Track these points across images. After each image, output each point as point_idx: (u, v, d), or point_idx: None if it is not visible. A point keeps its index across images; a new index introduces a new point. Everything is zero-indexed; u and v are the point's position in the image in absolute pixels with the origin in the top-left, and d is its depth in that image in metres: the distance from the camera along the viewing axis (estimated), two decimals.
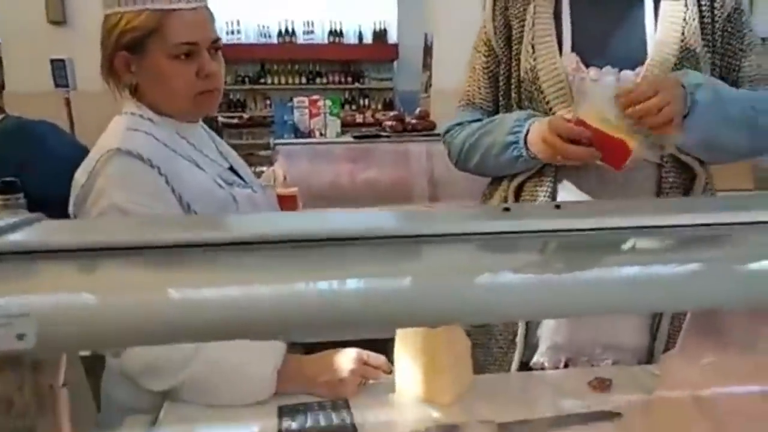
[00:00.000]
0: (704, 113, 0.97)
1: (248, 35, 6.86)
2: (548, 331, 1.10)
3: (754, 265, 0.48)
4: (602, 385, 0.94)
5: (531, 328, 1.12)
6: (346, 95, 7.12)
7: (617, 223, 0.52)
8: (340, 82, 7.07)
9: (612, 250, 0.50)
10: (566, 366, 1.10)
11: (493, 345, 1.16)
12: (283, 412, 0.86)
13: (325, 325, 0.43)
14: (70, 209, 1.02)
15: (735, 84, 1.08)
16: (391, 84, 7.26)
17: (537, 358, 1.11)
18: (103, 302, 0.39)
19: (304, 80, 6.90)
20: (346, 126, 3.98)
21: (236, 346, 0.94)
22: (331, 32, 6.99)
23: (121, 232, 0.50)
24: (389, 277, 0.44)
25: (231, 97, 6.78)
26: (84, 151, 1.07)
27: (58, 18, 4.63)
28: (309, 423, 0.83)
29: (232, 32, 6.74)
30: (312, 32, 6.97)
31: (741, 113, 1.01)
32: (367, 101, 7.22)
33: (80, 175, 1.00)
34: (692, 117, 0.97)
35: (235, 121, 5.67)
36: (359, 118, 5.09)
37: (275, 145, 2.96)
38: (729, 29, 1.07)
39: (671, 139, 1.03)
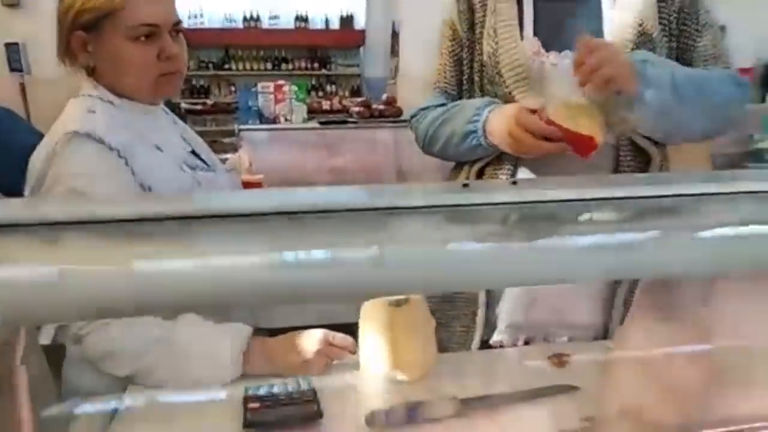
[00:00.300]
0: (656, 88, 0.98)
1: (212, 20, 6.73)
2: (507, 311, 1.12)
3: (705, 234, 0.51)
4: (560, 360, 0.97)
5: (491, 308, 1.14)
6: (313, 81, 7.06)
7: (572, 196, 0.54)
8: (306, 68, 7.00)
9: (568, 221, 0.52)
10: (526, 344, 1.13)
11: (456, 325, 1.18)
12: (248, 398, 0.86)
13: (290, 294, 0.44)
14: (26, 195, 1.00)
15: (689, 64, 1.10)
16: (358, 70, 7.22)
17: (496, 337, 1.13)
18: (63, 275, 0.39)
19: (269, 66, 6.81)
20: (313, 112, 3.95)
21: (201, 330, 0.94)
22: (297, 18, 6.91)
23: (80, 207, 0.50)
24: (354, 247, 0.45)
25: (194, 83, 6.65)
26: (40, 138, 1.04)
27: (12, 0, 4.47)
28: (274, 404, 0.84)
29: (195, 16, 6.60)
30: (278, 17, 6.87)
31: (694, 90, 1.02)
32: (334, 87, 7.18)
33: (36, 160, 0.98)
34: (644, 92, 0.98)
35: (199, 107, 5.58)
36: (326, 105, 5.06)
37: (240, 131, 2.92)
38: (685, 11, 1.09)
39: (627, 116, 1.04)
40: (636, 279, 1.00)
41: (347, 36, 7.02)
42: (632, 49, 1.06)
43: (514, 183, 0.52)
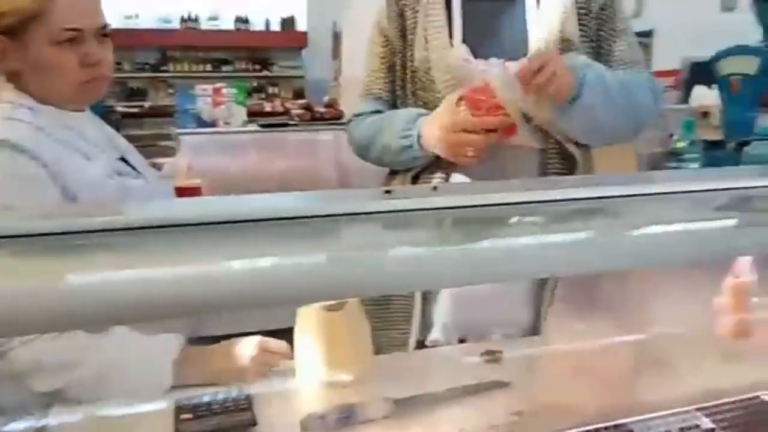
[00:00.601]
0: (591, 93, 1.04)
1: (148, 21, 6.54)
2: (441, 311, 1.15)
3: (626, 233, 0.54)
4: (493, 356, 0.99)
5: (426, 309, 1.16)
6: (255, 83, 6.97)
7: (500, 199, 0.56)
8: (247, 70, 6.91)
9: (498, 223, 0.54)
10: (461, 343, 1.16)
11: (392, 327, 1.19)
12: (180, 409, 0.85)
13: (233, 303, 0.44)
14: None
15: (610, 68, 1.16)
16: (300, 72, 7.19)
17: (432, 337, 1.15)
18: None
19: (209, 68, 6.70)
20: (255, 115, 3.89)
21: (131, 342, 0.92)
22: (237, 19, 6.81)
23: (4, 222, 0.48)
24: (292, 255, 0.45)
25: (131, 85, 6.46)
26: None
27: None
28: (207, 414, 0.83)
29: (130, 17, 6.41)
30: (217, 19, 6.76)
31: (621, 95, 1.08)
32: (276, 90, 7.11)
33: None
34: (582, 98, 1.03)
35: (135, 110, 5.42)
36: (268, 107, 5.00)
37: (177, 135, 2.85)
38: (603, 17, 1.14)
39: (559, 120, 1.09)
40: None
41: (289, 37, 6.98)
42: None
43: (435, 188, 0.54)
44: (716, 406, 0.86)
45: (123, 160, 1.10)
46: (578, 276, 0.76)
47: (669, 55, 6.53)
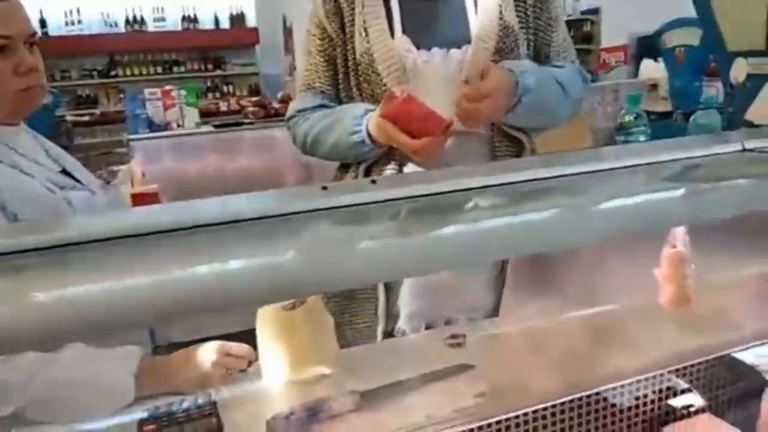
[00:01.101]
0: (530, 97, 1.08)
1: (91, 25, 6.35)
2: (406, 300, 1.15)
3: (579, 210, 0.55)
4: (457, 342, 1.00)
5: (391, 299, 1.17)
6: (209, 83, 6.86)
7: (455, 186, 0.57)
8: (200, 70, 6.78)
9: (453, 210, 0.55)
10: (428, 329, 1.17)
11: (358, 321, 1.19)
12: (143, 421, 0.83)
13: (195, 308, 0.44)
14: None
15: (548, 57, 1.19)
16: (255, 69, 7.08)
17: (399, 326, 1.16)
18: None
19: (159, 70, 6.54)
20: (211, 115, 3.83)
21: (87, 357, 0.90)
22: (184, 18, 6.66)
23: None
24: (252, 257, 0.45)
25: (80, 93, 6.28)
26: None
27: None
28: (171, 424, 0.81)
29: (73, 23, 6.22)
30: (163, 19, 6.60)
31: (554, 91, 1.13)
32: (231, 88, 7.00)
33: None
34: (522, 102, 1.07)
35: (86, 118, 5.27)
36: (223, 106, 4.93)
37: (128, 141, 2.79)
38: (539, 6, 1.16)
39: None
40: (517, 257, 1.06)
41: (239, 34, 6.86)
42: (497, 42, 1.12)
43: (373, 182, 0.54)
44: (688, 367, 0.89)
45: (64, 172, 1.07)
46: (529, 256, 0.77)
47: (617, 31, 6.66)
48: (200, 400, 0.86)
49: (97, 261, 0.44)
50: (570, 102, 1.16)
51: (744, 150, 0.54)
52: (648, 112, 3.34)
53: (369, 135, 1.10)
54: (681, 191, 0.51)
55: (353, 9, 1.15)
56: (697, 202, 0.51)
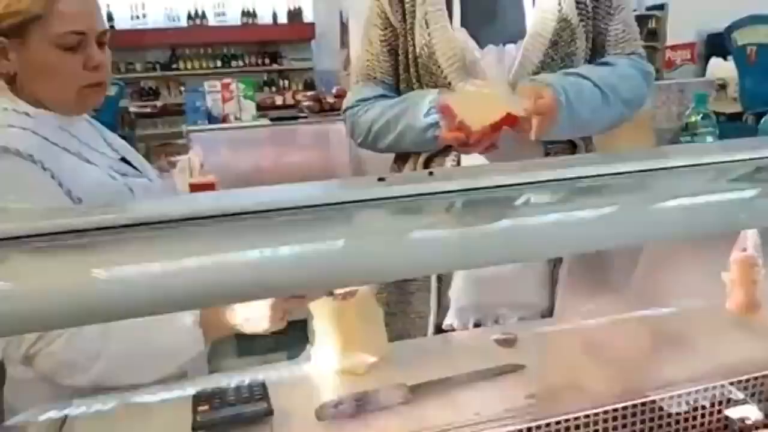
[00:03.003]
0: (566, 118, 1.06)
1: (156, 19, 6.57)
2: (457, 295, 1.15)
3: (630, 209, 0.53)
4: (507, 340, 0.99)
5: (443, 293, 1.16)
6: (265, 77, 6.98)
7: (513, 180, 0.56)
8: (257, 64, 6.91)
9: (512, 203, 0.54)
10: (477, 326, 1.15)
11: (411, 311, 1.20)
12: (197, 399, 0.86)
13: (259, 291, 0.45)
14: None
15: (603, 47, 1.15)
16: (310, 64, 7.16)
17: (448, 321, 1.15)
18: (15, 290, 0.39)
19: (219, 64, 6.70)
20: (266, 109, 3.90)
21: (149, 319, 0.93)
22: (243, 13, 6.80)
23: (29, 221, 0.49)
24: (319, 242, 0.46)
25: (142, 85, 6.51)
26: None
27: None
28: (223, 404, 0.83)
29: (138, 17, 6.44)
30: (224, 14, 6.75)
31: (591, 101, 1.09)
32: (286, 82, 7.11)
33: None
34: (561, 118, 1.05)
35: (148, 110, 5.46)
36: (279, 100, 5.01)
37: (188, 132, 2.87)
38: None
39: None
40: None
41: (296, 29, 6.95)
42: (553, 35, 1.10)
43: (431, 173, 0.53)
44: (750, 379, 0.85)
45: (124, 160, 1.11)
46: (586, 255, 0.75)
47: (684, 28, 6.39)
48: (253, 383, 0.89)
49: (155, 243, 0.46)
50: (618, 104, 1.12)
51: None
52: (716, 113, 3.20)
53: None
54: (746, 193, 0.49)
55: (415, 0, 1.15)
56: (763, 204, 0.48)
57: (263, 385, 0.88)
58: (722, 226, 0.52)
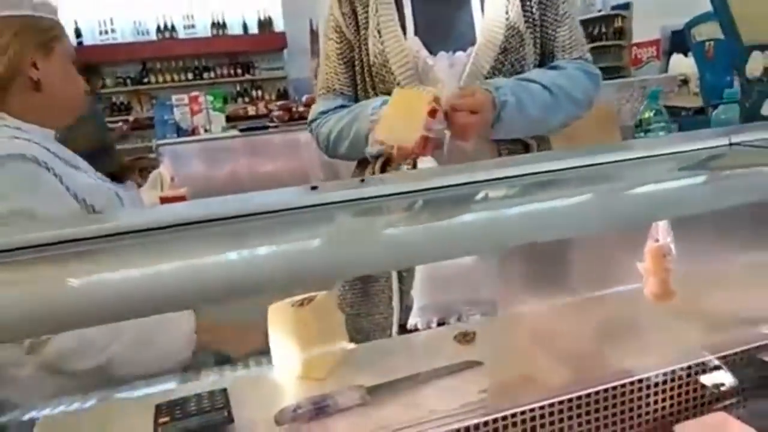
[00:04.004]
0: (510, 112, 1.10)
1: (124, 34, 6.53)
2: (418, 295, 1.17)
3: (570, 201, 0.56)
4: (466, 338, 1.01)
5: (405, 292, 1.18)
6: (238, 88, 6.97)
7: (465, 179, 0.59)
8: (229, 75, 6.91)
9: (463, 201, 0.57)
10: (441, 324, 1.18)
11: (375, 312, 1.22)
12: (159, 408, 0.87)
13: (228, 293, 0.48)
14: None
15: (552, 53, 1.20)
16: (283, 73, 7.17)
17: (411, 321, 1.18)
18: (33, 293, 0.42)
19: (190, 76, 6.69)
20: (240, 119, 3.90)
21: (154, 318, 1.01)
22: (213, 24, 6.79)
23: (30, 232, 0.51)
24: (292, 242, 0.50)
25: (114, 100, 6.45)
26: None
27: None
28: (184, 415, 0.84)
29: (107, 32, 6.40)
30: (193, 26, 6.74)
31: (539, 100, 1.13)
32: (260, 92, 7.11)
33: None
34: (502, 118, 1.10)
35: (119, 125, 5.41)
36: (252, 110, 5.02)
37: (158, 146, 2.87)
38: (546, 3, 1.17)
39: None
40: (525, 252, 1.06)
41: (267, 39, 6.96)
42: (502, 43, 1.14)
43: (362, 181, 0.56)
44: (700, 364, 0.89)
45: None
46: (525, 249, 0.78)
47: (649, 26, 6.51)
48: (213, 392, 0.90)
49: (132, 250, 0.50)
50: (567, 103, 1.16)
51: (731, 144, 0.54)
52: (680, 108, 3.28)
53: None
54: (667, 185, 0.52)
55: (367, 12, 1.19)
56: (681, 195, 0.51)
57: (225, 393, 0.89)
58: (642, 217, 0.55)
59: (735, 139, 0.53)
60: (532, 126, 1.17)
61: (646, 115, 1.50)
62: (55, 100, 1.09)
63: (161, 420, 0.84)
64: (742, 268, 0.80)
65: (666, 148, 0.55)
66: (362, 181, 0.56)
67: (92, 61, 6.00)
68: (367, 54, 1.19)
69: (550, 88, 1.14)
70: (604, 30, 7.76)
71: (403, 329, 1.20)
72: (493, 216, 0.55)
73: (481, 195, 0.61)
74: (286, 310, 0.94)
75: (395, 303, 1.19)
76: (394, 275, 1.20)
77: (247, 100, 6.83)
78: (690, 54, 3.62)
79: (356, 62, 1.23)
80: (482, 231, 0.54)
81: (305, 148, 3.16)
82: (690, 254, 0.84)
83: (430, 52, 1.16)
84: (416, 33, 1.17)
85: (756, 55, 1.27)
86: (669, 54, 6.45)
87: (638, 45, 6.96)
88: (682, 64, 3.87)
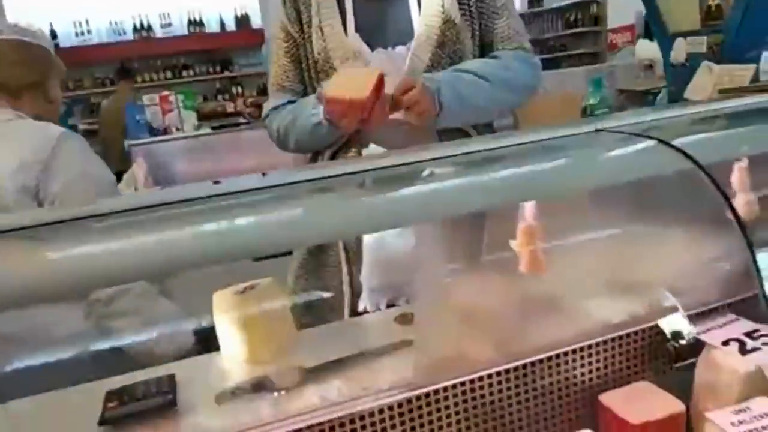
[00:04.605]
0: (450, 109, 1.15)
1: (101, 34, 6.51)
2: (366, 277, 1.23)
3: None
4: (405, 319, 1.06)
5: (354, 275, 1.24)
6: (218, 85, 6.97)
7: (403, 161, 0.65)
8: (208, 72, 6.91)
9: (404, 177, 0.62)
10: (390, 307, 1.23)
11: (327, 297, 1.28)
12: (110, 394, 0.91)
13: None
14: (18, 184, 1.26)
15: (492, 44, 1.24)
16: (262, 69, 7.17)
17: (361, 304, 1.23)
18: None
19: (169, 75, 6.67)
20: (218, 117, 3.91)
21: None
22: (190, 22, 6.78)
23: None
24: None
25: (92, 101, 6.43)
26: None
27: None
28: (131, 400, 0.89)
29: (83, 33, 6.37)
30: (170, 24, 6.73)
31: (478, 89, 1.18)
32: (240, 89, 7.11)
33: (34, 156, 1.28)
34: (442, 114, 1.16)
35: (96, 126, 5.42)
36: (230, 108, 5.03)
37: (130, 146, 2.89)
38: None
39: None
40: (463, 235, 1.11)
41: (245, 36, 6.97)
42: (438, 36, 1.18)
43: (263, 174, 0.61)
44: (623, 336, 0.94)
45: None
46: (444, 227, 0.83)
47: (624, 11, 6.57)
48: (160, 378, 0.95)
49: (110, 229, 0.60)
50: (503, 91, 1.21)
51: (597, 131, 0.59)
52: (646, 92, 3.33)
53: (327, 118, 1.18)
54: (535, 168, 0.57)
55: (310, 11, 1.23)
56: (549, 178, 0.56)
57: (172, 379, 0.94)
58: (511, 199, 0.60)
59: (601, 126, 0.57)
60: (472, 114, 1.22)
61: (591, 101, 1.56)
62: (55, 108, 1.49)
63: (109, 405, 0.89)
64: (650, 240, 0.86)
65: (538, 135, 0.60)
66: (263, 174, 0.61)
67: (69, 63, 5.98)
68: (312, 51, 1.24)
69: (485, 76, 1.19)
70: (580, 16, 7.83)
71: (354, 313, 1.25)
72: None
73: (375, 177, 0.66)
74: (229, 297, 0.99)
75: (345, 288, 1.24)
76: (344, 260, 1.25)
77: (227, 97, 6.83)
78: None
79: (302, 59, 1.28)
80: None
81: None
82: (608, 227, 0.89)
83: (371, 48, 1.21)
84: (357, 30, 1.22)
85: (680, 41, 1.32)
86: (642, 38, 6.50)
87: (613, 31, 7.03)
88: (648, 49, 3.93)
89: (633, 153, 0.54)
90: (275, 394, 0.89)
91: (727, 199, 0.53)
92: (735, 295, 0.99)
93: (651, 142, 0.53)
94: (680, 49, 1.31)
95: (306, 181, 0.62)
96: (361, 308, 1.25)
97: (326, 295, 1.27)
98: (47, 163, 1.27)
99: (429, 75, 1.17)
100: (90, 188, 1.30)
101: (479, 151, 0.65)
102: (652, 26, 1.59)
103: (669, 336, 0.98)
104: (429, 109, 1.14)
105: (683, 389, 0.94)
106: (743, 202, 0.73)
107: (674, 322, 0.97)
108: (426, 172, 0.66)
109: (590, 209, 0.73)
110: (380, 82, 1.08)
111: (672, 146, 0.52)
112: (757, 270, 0.59)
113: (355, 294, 1.25)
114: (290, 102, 1.30)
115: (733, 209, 0.54)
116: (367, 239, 1.22)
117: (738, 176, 0.74)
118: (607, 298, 0.99)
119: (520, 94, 1.27)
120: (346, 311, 1.25)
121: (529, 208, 0.69)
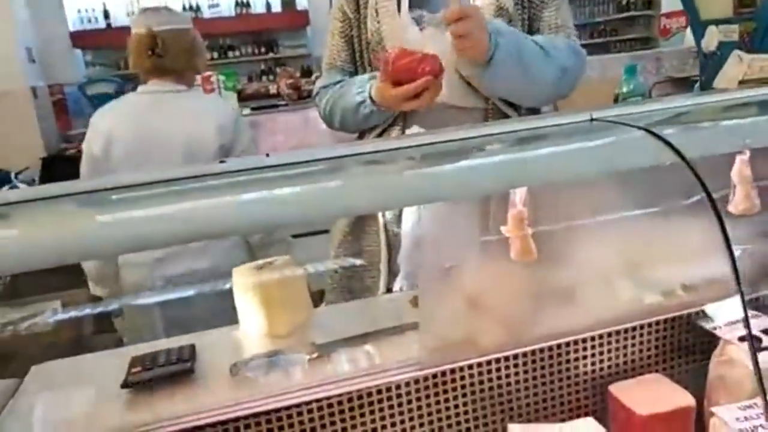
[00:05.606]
0: (503, 58, 1.13)
1: None
2: (404, 258, 1.25)
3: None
4: (417, 300, 1.08)
5: (392, 256, 1.27)
6: (263, 66, 7.06)
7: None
8: (253, 54, 7.00)
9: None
10: None
11: (366, 275, 1.31)
12: (134, 360, 0.97)
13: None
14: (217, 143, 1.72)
15: (539, 33, 1.24)
16: (306, 50, 7.22)
17: (397, 285, 1.26)
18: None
19: (215, 55, 6.79)
20: (262, 97, 3.98)
21: None
22: (237, 3, 6.87)
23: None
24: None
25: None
26: None
27: None
28: (153, 366, 0.94)
29: (134, 12, 6.54)
30: (218, 5, 6.83)
31: (531, 49, 1.17)
32: (284, 70, 7.18)
33: (226, 123, 1.75)
34: (493, 60, 1.13)
35: None
36: (273, 89, 5.09)
37: None
38: None
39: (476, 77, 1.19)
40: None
41: (291, 17, 7.01)
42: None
43: (266, 155, 0.64)
44: (637, 327, 0.94)
45: None
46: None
47: None
48: (182, 347, 1.00)
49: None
50: (554, 67, 1.19)
51: (592, 120, 0.59)
52: (687, 79, 3.21)
53: (372, 99, 1.21)
54: (528, 154, 0.58)
55: None
56: (542, 165, 0.56)
57: (193, 348, 0.99)
58: (506, 185, 0.61)
59: (596, 115, 0.57)
60: (521, 78, 1.18)
61: (624, 89, 1.52)
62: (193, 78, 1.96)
63: (133, 370, 0.95)
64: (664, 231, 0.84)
65: (534, 123, 0.61)
66: (267, 155, 0.63)
67: (122, 42, 6.15)
68: (366, 31, 1.27)
69: (542, 45, 1.18)
70: (633, 0, 7.57)
71: (389, 293, 1.29)
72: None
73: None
74: (247, 272, 1.03)
75: (383, 266, 1.27)
76: (383, 243, 1.28)
77: (271, 78, 6.92)
78: None
79: (355, 40, 1.31)
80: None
81: (313, 124, 3.24)
82: (621, 215, 0.89)
83: (421, 29, 1.23)
84: (411, 8, 1.24)
85: (711, 29, 1.27)
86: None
87: (667, 15, 6.77)
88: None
89: (618, 142, 0.54)
90: (288, 367, 0.92)
91: (707, 190, 0.52)
92: (756, 291, 0.97)
93: (639, 133, 0.53)
94: (712, 37, 1.27)
95: (346, 156, 0.65)
96: (395, 289, 1.28)
97: (366, 273, 1.31)
98: (235, 129, 1.74)
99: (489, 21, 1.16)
100: (254, 149, 1.79)
101: (473, 137, 0.66)
102: (688, 13, 1.54)
103: (684, 329, 0.97)
104: (482, 44, 1.11)
105: (698, 383, 0.93)
106: (743, 195, 0.72)
107: (690, 316, 0.96)
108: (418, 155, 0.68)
109: (603, 196, 0.72)
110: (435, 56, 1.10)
111: (659, 137, 0.52)
112: None
113: (393, 274, 1.28)
114: (340, 81, 1.34)
115: (713, 203, 0.53)
116: (406, 223, 1.25)
117: (738, 168, 0.72)
118: (621, 289, 0.98)
119: (567, 78, 1.24)
120: (381, 291, 1.28)
121: (519, 193, 0.69)
